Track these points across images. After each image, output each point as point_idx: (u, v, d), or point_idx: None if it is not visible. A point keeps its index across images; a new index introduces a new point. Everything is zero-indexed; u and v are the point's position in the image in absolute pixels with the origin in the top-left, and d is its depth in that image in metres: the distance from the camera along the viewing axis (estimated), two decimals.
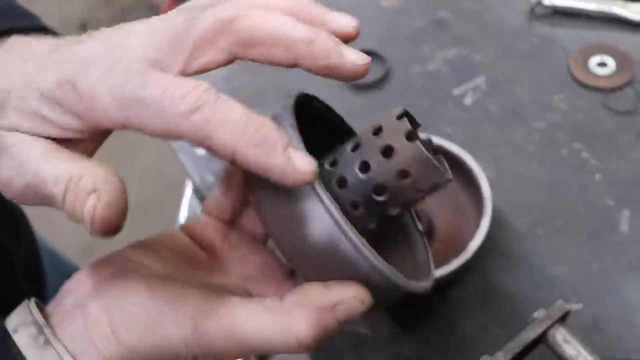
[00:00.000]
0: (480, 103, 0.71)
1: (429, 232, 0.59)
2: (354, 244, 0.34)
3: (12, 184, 0.36)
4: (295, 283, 0.42)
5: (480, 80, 0.73)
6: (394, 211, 0.39)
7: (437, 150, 0.40)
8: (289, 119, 0.37)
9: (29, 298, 0.37)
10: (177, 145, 0.73)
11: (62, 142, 0.36)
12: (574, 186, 0.64)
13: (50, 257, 0.79)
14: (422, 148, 0.37)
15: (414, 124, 0.39)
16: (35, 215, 0.75)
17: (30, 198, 0.36)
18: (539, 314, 0.46)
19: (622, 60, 0.71)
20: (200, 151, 0.72)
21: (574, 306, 0.56)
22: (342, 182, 0.38)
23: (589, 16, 0.75)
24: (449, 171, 0.38)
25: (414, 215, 0.45)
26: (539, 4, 0.76)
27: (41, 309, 0.37)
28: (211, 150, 0.33)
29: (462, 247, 0.55)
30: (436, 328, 0.56)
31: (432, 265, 0.43)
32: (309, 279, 0.37)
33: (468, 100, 0.72)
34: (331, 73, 0.36)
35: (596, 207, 0.62)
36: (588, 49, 0.72)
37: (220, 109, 0.33)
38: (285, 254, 0.38)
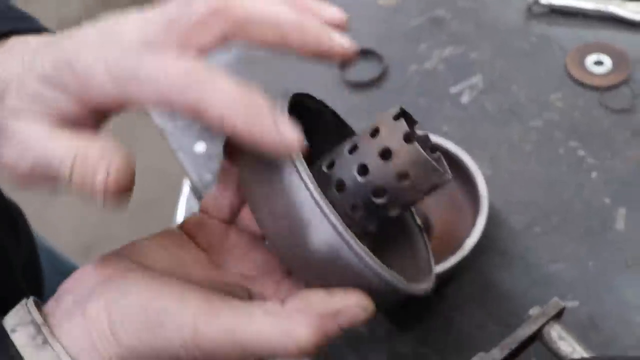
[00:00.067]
0: (477, 101, 0.71)
1: (426, 230, 0.59)
2: (356, 252, 0.34)
3: (19, 167, 0.37)
4: (294, 281, 0.42)
5: (477, 79, 0.73)
6: (394, 212, 0.39)
7: (435, 148, 0.40)
8: None
9: (27, 297, 0.37)
10: (175, 144, 0.73)
11: (63, 119, 0.37)
12: (571, 184, 0.64)
13: (49, 257, 0.79)
14: (421, 150, 0.36)
15: (411, 122, 0.39)
16: (34, 215, 0.75)
17: (37, 179, 0.37)
18: (534, 311, 0.46)
19: (619, 58, 0.71)
20: (199, 149, 0.72)
21: (570, 304, 0.56)
22: (341, 186, 0.38)
23: (585, 15, 0.76)
24: (448, 171, 0.38)
25: (413, 210, 0.45)
26: (536, 2, 0.77)
27: (40, 308, 0.36)
28: (202, 119, 0.34)
29: (459, 244, 0.56)
30: (433, 325, 0.57)
31: (433, 264, 0.42)
32: (309, 285, 0.36)
33: (465, 99, 0.72)
34: (320, 55, 0.37)
35: (592, 205, 0.62)
36: (585, 47, 0.73)
37: (212, 80, 0.34)
38: (285, 261, 0.37)
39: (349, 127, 0.46)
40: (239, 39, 0.37)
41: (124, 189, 0.35)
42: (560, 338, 0.45)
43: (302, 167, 0.34)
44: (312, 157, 0.37)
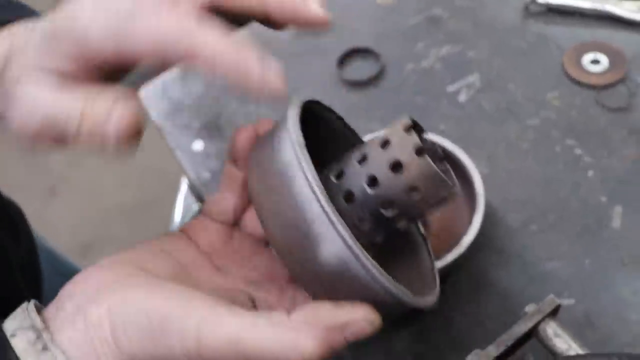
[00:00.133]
0: (475, 100, 0.72)
1: (423, 226, 0.59)
2: (365, 266, 0.34)
3: (28, 127, 0.39)
4: (299, 288, 0.41)
5: (474, 77, 0.73)
6: (401, 225, 0.39)
7: (443, 157, 0.40)
8: (296, 132, 0.36)
9: (28, 300, 0.37)
10: (173, 142, 0.73)
11: (71, 76, 0.40)
12: (567, 182, 0.64)
13: (48, 257, 0.79)
14: (432, 163, 0.36)
15: (419, 129, 0.39)
16: (33, 214, 0.75)
17: (46, 137, 0.40)
18: (530, 308, 0.47)
19: (615, 57, 0.71)
20: (197, 148, 0.72)
21: (566, 301, 0.56)
22: (349, 197, 0.38)
23: (582, 14, 0.76)
24: (457, 183, 0.38)
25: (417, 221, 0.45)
26: (533, 1, 0.77)
27: (40, 312, 0.36)
28: (195, 64, 0.37)
29: (456, 242, 0.56)
30: (429, 323, 0.57)
31: (437, 276, 0.42)
32: (317, 297, 0.36)
33: (462, 97, 0.72)
34: (296, 22, 0.41)
35: (589, 203, 0.62)
36: (582, 46, 0.73)
37: (204, 29, 0.37)
38: (292, 272, 0.37)
39: (356, 134, 0.46)
40: (223, 8, 0.39)
41: (135, 133, 0.38)
42: (556, 335, 0.46)
43: (313, 178, 0.34)
44: (318, 163, 0.37)
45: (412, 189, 0.37)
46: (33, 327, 0.34)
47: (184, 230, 0.43)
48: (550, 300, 0.46)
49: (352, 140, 0.45)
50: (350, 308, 0.34)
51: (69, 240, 1.95)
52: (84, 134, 0.38)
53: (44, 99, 0.39)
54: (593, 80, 0.70)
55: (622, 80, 0.70)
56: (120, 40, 0.37)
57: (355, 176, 0.38)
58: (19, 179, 2.14)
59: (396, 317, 0.38)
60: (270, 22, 0.42)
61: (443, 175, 0.37)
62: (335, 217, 0.34)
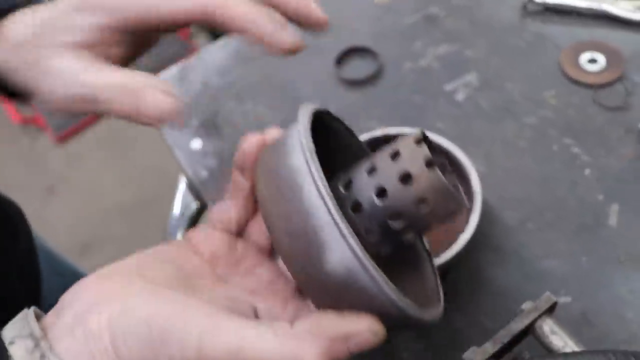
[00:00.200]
0: (472, 99, 0.72)
1: None
2: (372, 276, 0.33)
3: (64, 100, 0.44)
4: (302, 301, 0.41)
5: (471, 76, 0.73)
6: (408, 237, 0.39)
7: (452, 171, 0.40)
8: (306, 138, 0.36)
9: (28, 307, 0.36)
10: (171, 140, 0.73)
11: (98, 49, 0.45)
12: (565, 181, 0.64)
13: (47, 257, 0.79)
14: (442, 177, 0.36)
15: (429, 143, 0.39)
16: (33, 214, 0.75)
17: (76, 107, 0.44)
18: (526, 305, 0.47)
19: (612, 56, 0.71)
20: (195, 146, 0.72)
21: (563, 299, 0.56)
22: (357, 207, 0.38)
23: (580, 13, 0.76)
24: (465, 198, 0.38)
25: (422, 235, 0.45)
26: (531, 1, 0.77)
27: (40, 320, 0.35)
28: (219, 20, 0.44)
29: (453, 240, 0.56)
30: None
31: (441, 291, 0.42)
32: (321, 306, 0.36)
33: (460, 96, 0.72)
34: (298, 21, 0.47)
35: (586, 202, 0.63)
36: (579, 45, 0.73)
37: None
38: (298, 280, 0.37)
39: (363, 147, 0.46)
40: None
41: (177, 109, 0.43)
42: (553, 332, 0.46)
43: (323, 185, 0.34)
44: (326, 172, 0.37)
45: (421, 201, 0.37)
46: (31, 335, 0.34)
47: (187, 238, 0.43)
48: (547, 298, 0.47)
49: (359, 152, 0.45)
50: (354, 318, 0.34)
51: (68, 239, 1.95)
52: (122, 110, 0.43)
53: (80, 76, 0.43)
54: (590, 79, 0.70)
55: (619, 80, 0.70)
56: (151, 2, 0.43)
57: (364, 187, 0.37)
58: (18, 178, 2.14)
59: (399, 329, 0.37)
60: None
61: (452, 189, 0.36)
62: (344, 226, 0.33)
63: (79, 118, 2.17)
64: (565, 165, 0.65)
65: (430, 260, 0.44)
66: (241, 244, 0.43)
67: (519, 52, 0.75)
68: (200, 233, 0.43)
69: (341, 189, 0.38)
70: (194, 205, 0.81)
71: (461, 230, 0.56)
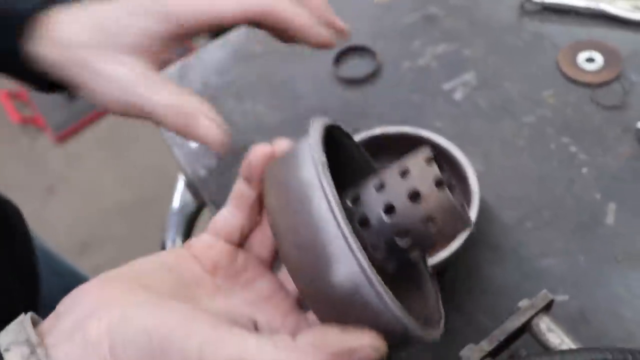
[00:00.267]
0: (470, 98, 0.72)
1: None
2: (379, 293, 0.33)
3: (115, 104, 0.46)
4: (301, 314, 0.41)
5: (470, 76, 0.74)
6: (414, 255, 0.39)
7: (459, 191, 0.40)
8: (318, 151, 0.36)
9: (26, 307, 0.36)
10: (170, 139, 0.73)
11: (148, 54, 0.47)
12: (562, 180, 0.64)
13: (45, 257, 0.79)
14: (451, 197, 0.36)
15: (438, 162, 0.39)
16: (32, 214, 0.76)
17: (129, 112, 0.47)
18: (523, 303, 0.47)
19: (610, 56, 0.71)
20: (194, 145, 0.72)
21: (561, 297, 0.57)
22: (365, 222, 0.38)
23: (577, 12, 0.76)
24: (471, 217, 0.38)
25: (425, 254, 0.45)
26: (529, 0, 0.77)
27: (37, 326, 0.35)
28: (271, 20, 0.49)
29: None
30: None
31: (442, 312, 0.42)
32: (325, 319, 0.36)
33: (458, 95, 0.72)
34: (305, 43, 0.52)
35: (583, 200, 0.63)
36: (577, 45, 0.73)
37: None
38: (303, 293, 0.36)
39: (372, 164, 0.46)
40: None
41: (224, 141, 0.46)
42: (549, 330, 0.46)
43: (334, 198, 0.34)
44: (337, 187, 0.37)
45: (429, 220, 0.37)
46: (28, 342, 0.33)
47: (188, 247, 0.42)
48: (544, 295, 0.47)
49: (366, 168, 0.45)
50: (357, 333, 0.34)
51: (68, 239, 1.95)
52: (174, 128, 0.46)
53: (136, 88, 0.45)
54: (588, 79, 0.71)
55: (616, 79, 0.70)
56: (209, 3, 0.45)
57: (372, 202, 0.38)
58: (18, 178, 2.15)
59: (399, 346, 0.38)
60: (280, 35, 0.51)
61: (460, 208, 0.37)
62: (352, 240, 0.33)
63: (79, 118, 2.17)
64: (563, 164, 0.65)
65: (432, 280, 0.44)
66: (242, 255, 0.43)
67: (517, 51, 0.75)
68: (201, 241, 0.42)
69: (349, 203, 0.39)
70: (193, 205, 0.81)
71: None
